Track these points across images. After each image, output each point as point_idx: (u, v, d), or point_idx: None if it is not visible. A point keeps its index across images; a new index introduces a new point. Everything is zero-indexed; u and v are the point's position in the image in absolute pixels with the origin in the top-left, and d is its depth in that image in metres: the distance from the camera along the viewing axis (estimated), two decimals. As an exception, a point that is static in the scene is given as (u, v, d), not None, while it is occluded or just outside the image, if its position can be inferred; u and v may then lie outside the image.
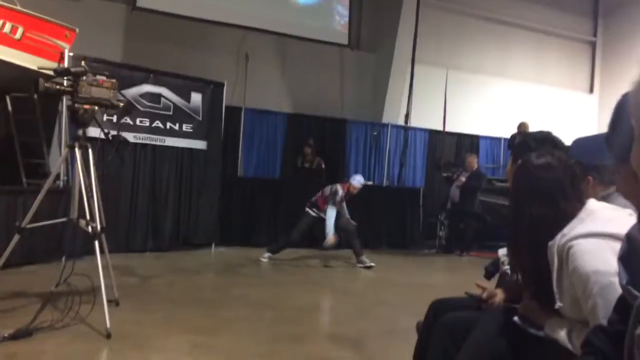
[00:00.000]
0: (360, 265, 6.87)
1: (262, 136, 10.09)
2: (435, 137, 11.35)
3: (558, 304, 1.61)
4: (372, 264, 6.91)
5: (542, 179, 1.72)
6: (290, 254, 7.89)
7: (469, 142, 11.86)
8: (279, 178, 9.91)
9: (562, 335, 1.61)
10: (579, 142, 2.20)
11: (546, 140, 2.08)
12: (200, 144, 7.64)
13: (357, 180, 6.94)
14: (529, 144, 2.08)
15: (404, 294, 5.40)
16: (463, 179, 8.79)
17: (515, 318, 1.86)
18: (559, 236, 1.62)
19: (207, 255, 7.44)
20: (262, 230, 8.47)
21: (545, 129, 2.23)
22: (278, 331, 3.75)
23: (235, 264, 6.72)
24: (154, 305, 4.27)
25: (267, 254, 6.83)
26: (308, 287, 5.50)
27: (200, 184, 7.69)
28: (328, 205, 6.74)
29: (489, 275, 3.28)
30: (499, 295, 2.21)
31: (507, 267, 3.12)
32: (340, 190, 6.80)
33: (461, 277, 6.96)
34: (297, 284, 5.58)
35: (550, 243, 1.63)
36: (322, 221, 6.71)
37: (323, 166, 9.66)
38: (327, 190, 6.87)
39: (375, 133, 10.67)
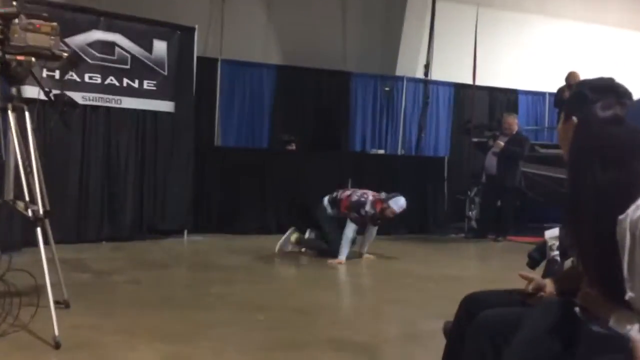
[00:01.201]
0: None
1: (245, 95, 10.05)
2: (463, 93, 11.31)
3: (629, 294, 1.60)
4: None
5: (611, 135, 1.69)
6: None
7: (505, 99, 11.84)
8: (267, 148, 9.90)
9: (633, 332, 1.60)
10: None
11: (608, 89, 2.04)
12: (166, 106, 7.60)
13: (399, 206, 6.47)
14: (586, 94, 2.03)
15: (426, 289, 5.43)
16: (501, 143, 8.77)
17: (577, 309, 1.85)
18: (632, 208, 1.59)
19: (179, 245, 7.46)
20: (247, 214, 8.49)
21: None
22: (270, 338, 3.76)
23: (214, 256, 6.74)
24: (113, 308, 4.27)
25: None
26: (309, 283, 5.52)
27: (168, 157, 7.67)
28: (350, 217, 6.48)
29: (533, 264, 3.29)
30: (549, 286, 2.20)
31: (555, 253, 3.12)
32: (369, 207, 6.48)
33: (498, 267, 7.00)
34: (294, 280, 5.60)
35: (620, 217, 1.61)
36: (336, 222, 6.57)
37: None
38: (356, 195, 6.60)
39: (387, 89, 10.64)
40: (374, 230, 6.85)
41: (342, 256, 6.36)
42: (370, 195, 6.59)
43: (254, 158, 8.74)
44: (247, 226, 8.42)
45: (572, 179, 1.79)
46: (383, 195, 6.58)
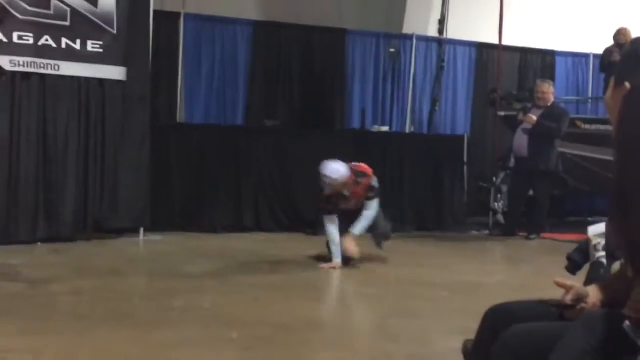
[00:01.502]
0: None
1: (214, 59, 10.00)
2: (487, 55, 11.31)
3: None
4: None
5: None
6: (269, 241, 7.93)
7: (539, 62, 11.85)
8: (243, 126, 9.87)
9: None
10: None
11: (668, 49, 2.05)
12: (115, 72, 7.56)
13: (328, 171, 6.35)
14: (640, 55, 2.03)
15: (441, 300, 5.45)
16: (534, 117, 8.78)
17: (626, 323, 1.86)
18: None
19: (133, 246, 7.45)
20: (218, 208, 8.51)
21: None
22: (247, 360, 3.77)
23: (177, 260, 6.73)
24: (51, 324, 4.26)
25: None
26: (295, 293, 5.52)
27: (118, 137, 7.65)
28: (372, 200, 6.58)
29: (573, 268, 3.30)
30: (592, 295, 2.21)
31: (601, 254, 3.14)
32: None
33: (529, 272, 7.02)
34: (277, 290, 5.60)
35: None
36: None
37: None
38: (371, 179, 6.66)
39: (392, 49, 10.61)
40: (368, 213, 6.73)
41: (337, 258, 6.37)
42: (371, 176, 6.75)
43: (226, 138, 8.72)
44: (218, 223, 8.42)
45: (620, 161, 1.79)
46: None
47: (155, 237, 7.81)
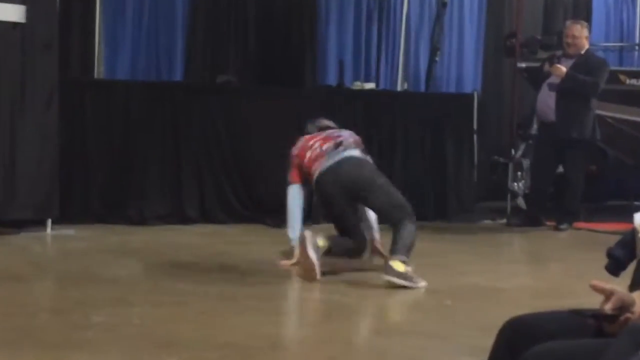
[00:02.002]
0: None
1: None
2: (502, -10, 11.33)
3: None
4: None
5: None
6: (219, 235, 7.94)
7: (570, -1, 11.88)
8: (183, 83, 9.82)
9: None
10: None
11: None
12: (11, 12, 7.49)
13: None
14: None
15: (446, 310, 5.49)
16: (563, 69, 8.82)
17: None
18: None
19: (38, 244, 7.42)
20: (149, 193, 8.48)
21: None
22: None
23: (96, 261, 6.70)
24: None
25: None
26: (256, 304, 5.53)
27: (16, 98, 7.59)
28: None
29: (616, 268, 3.35)
30: (639, 303, 2.25)
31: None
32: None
33: (559, 273, 7.08)
34: (231, 300, 5.61)
35: None
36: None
37: None
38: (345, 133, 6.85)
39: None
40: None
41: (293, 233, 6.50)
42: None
43: (160, 99, 8.68)
44: (149, 212, 8.39)
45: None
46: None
47: (67, 231, 7.76)
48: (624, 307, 2.22)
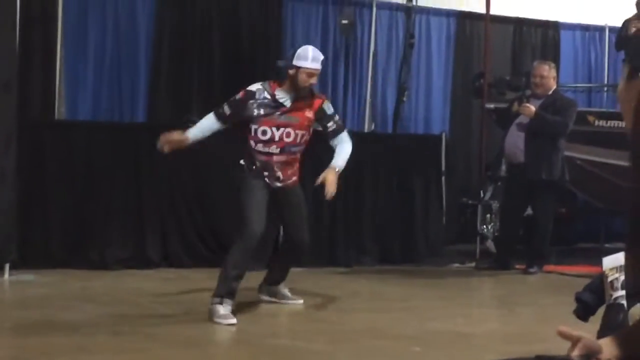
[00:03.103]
0: (277, 299, 7.00)
1: (106, 32, 9.93)
2: (471, 29, 11.44)
3: None
4: (299, 301, 7.02)
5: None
6: (183, 280, 7.90)
7: (539, 38, 12.02)
8: (146, 123, 9.81)
9: None
10: None
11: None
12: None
13: (312, 59, 6.61)
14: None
15: (411, 357, 5.47)
16: (532, 108, 8.89)
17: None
18: None
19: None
20: (111, 235, 8.45)
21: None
22: None
23: (57, 307, 6.66)
24: None
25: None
26: (220, 351, 5.52)
27: (-26, 139, 7.55)
28: (343, 131, 6.94)
29: (585, 312, 3.37)
30: (607, 350, 2.26)
31: (619, 294, 3.20)
32: (261, 90, 6.60)
33: (528, 317, 7.10)
34: (195, 346, 5.59)
35: None
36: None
37: None
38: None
39: (344, 21, 10.66)
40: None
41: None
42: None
43: (123, 140, 8.67)
44: (111, 256, 8.34)
45: (635, 176, 1.83)
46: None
47: (26, 276, 7.71)
48: (591, 353, 2.22)
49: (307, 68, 6.50)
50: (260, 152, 6.48)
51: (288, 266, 7.00)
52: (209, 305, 6.12)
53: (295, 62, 6.47)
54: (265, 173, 6.45)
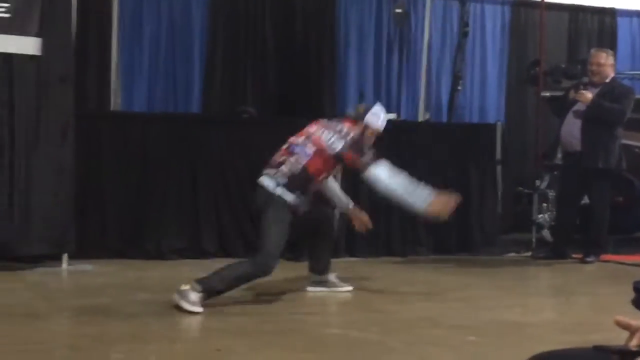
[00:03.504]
0: (321, 288, 7.00)
1: (161, 28, 10.01)
2: (526, 17, 11.36)
3: None
4: (348, 288, 7.03)
5: None
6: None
7: (595, 25, 11.90)
8: (200, 115, 9.87)
9: None
10: None
11: None
12: (27, 45, 7.57)
13: (382, 119, 6.91)
14: None
15: (467, 347, 5.46)
16: (589, 95, 8.82)
17: None
18: None
19: (54, 279, 7.46)
20: (167, 227, 8.53)
21: None
22: None
23: (114, 296, 6.73)
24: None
25: None
26: (274, 340, 5.54)
27: (31, 131, 7.65)
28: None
29: (643, 302, 3.34)
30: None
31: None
32: (349, 130, 6.68)
33: (586, 307, 7.05)
34: (248, 335, 5.62)
35: None
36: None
37: None
38: (333, 127, 6.74)
39: (398, 10, 10.65)
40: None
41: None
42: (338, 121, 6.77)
43: (178, 131, 8.73)
44: (166, 246, 8.44)
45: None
46: (349, 114, 6.96)
47: (84, 266, 7.79)
48: None
49: (377, 130, 6.84)
50: (319, 182, 6.63)
51: (326, 254, 7.01)
52: (183, 285, 6.06)
53: (369, 120, 6.75)
54: (305, 200, 6.51)
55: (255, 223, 6.66)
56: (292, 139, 6.73)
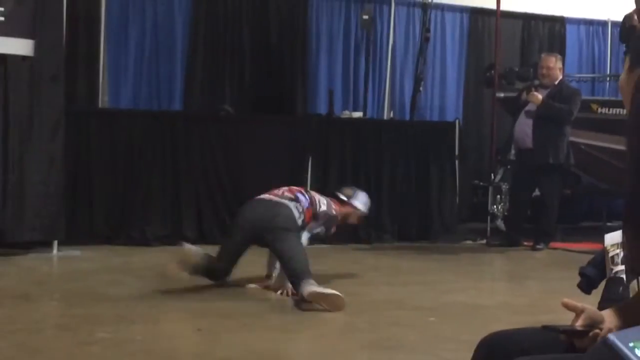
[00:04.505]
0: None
1: (146, 28, 9.97)
2: (483, 24, 11.40)
3: None
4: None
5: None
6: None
7: (546, 31, 11.97)
8: (182, 112, 9.85)
9: None
10: None
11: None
12: (20, 46, 7.52)
13: (365, 204, 7.03)
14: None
15: (427, 327, 5.49)
16: (539, 96, 8.87)
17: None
18: None
19: (45, 264, 7.43)
20: (151, 215, 8.54)
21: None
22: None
23: (101, 280, 6.71)
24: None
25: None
26: (251, 321, 5.54)
27: (25, 127, 7.61)
28: (310, 226, 6.63)
29: (588, 285, 3.37)
30: (608, 320, 2.26)
31: (620, 269, 3.19)
32: (333, 212, 6.73)
33: (535, 290, 7.09)
34: (228, 317, 5.61)
35: None
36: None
37: None
38: (320, 202, 6.66)
39: (365, 17, 10.64)
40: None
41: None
42: (326, 199, 6.76)
43: (161, 127, 8.72)
44: (151, 234, 8.43)
45: (633, 161, 1.83)
46: (339, 195, 6.92)
47: (73, 252, 7.78)
48: (594, 323, 2.22)
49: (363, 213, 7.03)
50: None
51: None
52: (301, 290, 5.89)
53: (355, 203, 6.90)
54: None
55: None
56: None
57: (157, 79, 10.06)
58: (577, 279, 3.37)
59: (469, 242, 9.54)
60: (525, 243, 9.16)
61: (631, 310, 2.25)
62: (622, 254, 3.16)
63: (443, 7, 11.17)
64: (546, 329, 2.32)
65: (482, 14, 11.29)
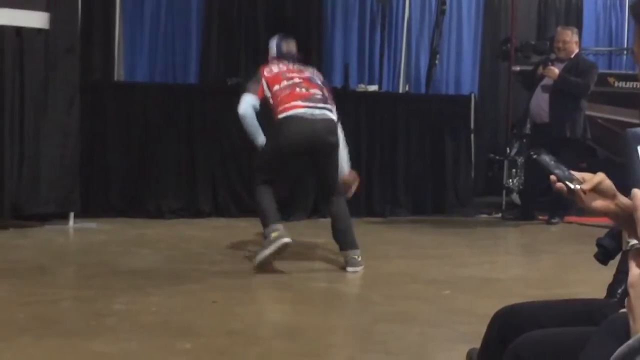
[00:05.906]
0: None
1: (160, 3, 9.94)
2: (498, -3, 11.34)
3: None
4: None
5: None
6: (230, 228, 7.96)
7: (562, 5, 11.88)
8: (197, 85, 9.85)
9: None
10: None
11: None
12: (35, 19, 7.52)
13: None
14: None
15: (441, 300, 5.51)
16: (555, 70, 8.82)
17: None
18: None
19: (61, 236, 7.46)
20: (166, 188, 8.54)
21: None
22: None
23: (116, 252, 6.74)
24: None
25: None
26: (264, 293, 5.57)
27: (40, 100, 7.62)
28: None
29: (605, 257, 3.35)
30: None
31: (635, 242, 3.18)
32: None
33: (551, 264, 7.09)
34: (241, 289, 5.64)
35: None
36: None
37: None
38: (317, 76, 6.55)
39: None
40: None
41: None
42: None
43: (176, 100, 8.72)
44: (166, 206, 8.44)
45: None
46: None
47: (89, 224, 7.80)
48: (604, 191, 2.12)
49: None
50: None
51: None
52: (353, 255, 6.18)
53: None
54: None
55: (316, 158, 6.28)
56: (303, 75, 6.44)
57: (172, 52, 10.05)
58: (592, 252, 3.36)
59: (483, 215, 9.54)
60: (540, 217, 9.15)
61: None
62: None
63: (459, -19, 11.12)
64: (563, 302, 2.30)
65: (499, -13, 11.24)
